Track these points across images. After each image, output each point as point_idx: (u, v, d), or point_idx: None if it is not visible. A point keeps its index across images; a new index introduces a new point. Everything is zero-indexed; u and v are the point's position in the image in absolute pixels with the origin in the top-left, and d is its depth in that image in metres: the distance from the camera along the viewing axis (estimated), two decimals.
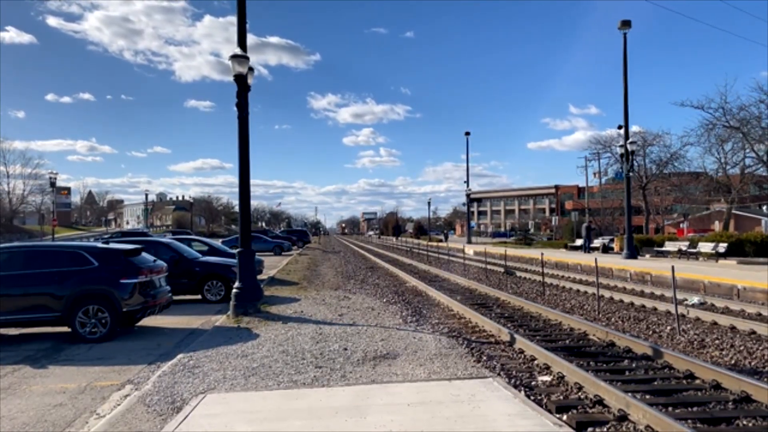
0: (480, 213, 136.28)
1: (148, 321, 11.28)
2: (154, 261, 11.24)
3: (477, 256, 33.51)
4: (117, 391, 6.70)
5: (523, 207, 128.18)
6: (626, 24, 26.74)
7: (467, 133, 58.03)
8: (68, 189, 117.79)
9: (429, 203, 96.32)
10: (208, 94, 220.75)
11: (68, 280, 9.87)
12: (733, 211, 41.95)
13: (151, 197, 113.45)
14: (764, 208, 47.82)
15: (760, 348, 8.35)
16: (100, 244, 11.74)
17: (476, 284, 17.69)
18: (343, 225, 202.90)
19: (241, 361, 7.63)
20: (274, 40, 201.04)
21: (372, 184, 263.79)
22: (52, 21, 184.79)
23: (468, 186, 59.55)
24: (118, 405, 6.02)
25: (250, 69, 12.24)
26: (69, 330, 9.88)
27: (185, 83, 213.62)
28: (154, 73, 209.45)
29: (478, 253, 34.91)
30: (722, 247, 26.49)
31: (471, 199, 67.30)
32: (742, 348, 8.41)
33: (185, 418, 5.30)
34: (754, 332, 9.49)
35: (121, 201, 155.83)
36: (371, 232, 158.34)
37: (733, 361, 7.73)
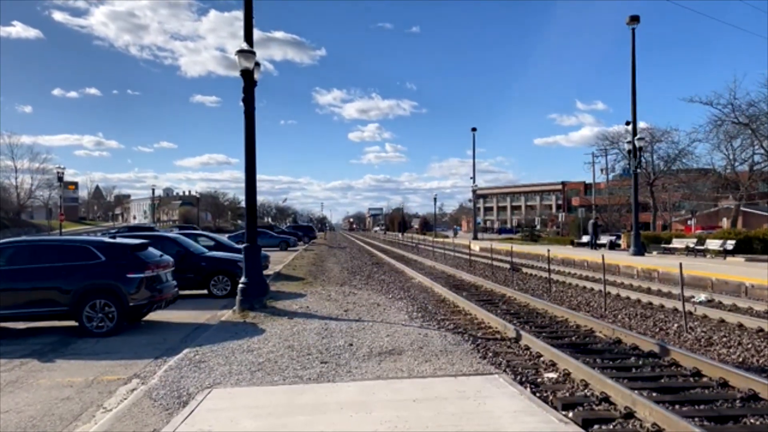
0: (486, 209, 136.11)
1: (155, 315, 11.31)
2: (161, 256, 11.28)
3: (483, 253, 33.44)
4: (123, 385, 6.73)
5: (529, 203, 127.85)
6: (634, 19, 26.55)
7: (474, 129, 57.83)
8: (75, 184, 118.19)
9: (435, 199, 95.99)
10: (213, 89, 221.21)
11: (75, 275, 9.91)
12: (742, 208, 41.70)
13: (158, 192, 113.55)
14: None
15: None
16: (107, 239, 11.78)
17: (482, 280, 17.66)
18: (351, 220, 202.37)
19: (246, 356, 7.65)
20: (279, 35, 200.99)
21: (378, 180, 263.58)
22: (58, 16, 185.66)
23: (474, 182, 59.36)
24: (125, 399, 6.05)
25: (257, 64, 12.23)
26: (76, 324, 9.91)
27: (191, 78, 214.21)
28: (160, 68, 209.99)
29: (484, 249, 34.85)
30: (730, 245, 26.34)
31: (477, 196, 67.30)
32: (749, 346, 8.36)
33: (191, 413, 5.32)
34: (762, 330, 9.42)
35: (128, 196, 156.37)
36: (377, 228, 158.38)
37: (740, 359, 7.69)
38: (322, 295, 14.23)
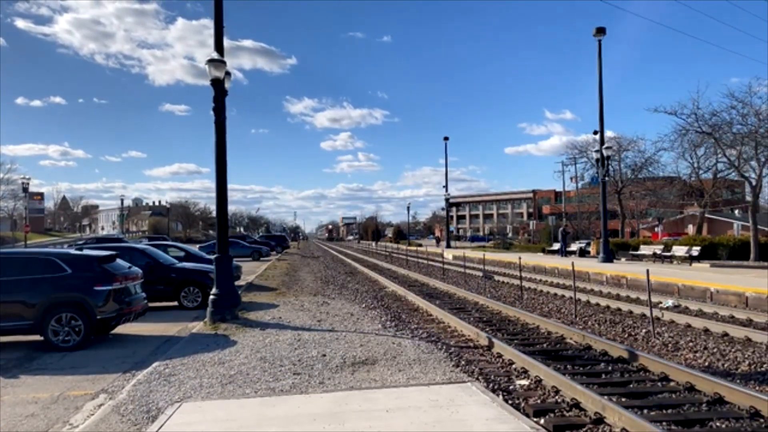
0: (459, 217, 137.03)
1: (123, 328, 11.09)
2: (129, 267, 11.07)
3: (456, 261, 33.64)
4: (91, 401, 6.58)
5: (501, 211, 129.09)
6: (601, 31, 27.14)
7: (446, 139, 58.53)
8: (41, 194, 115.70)
9: (408, 208, 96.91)
10: (183, 98, 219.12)
11: (40, 288, 9.66)
12: (706, 215, 42.70)
13: (127, 202, 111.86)
14: (736, 212, 48.76)
15: (733, 350, 8.51)
16: (73, 251, 11.53)
17: (455, 288, 17.75)
18: (330, 227, 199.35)
19: (218, 368, 7.55)
20: (248, 43, 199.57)
21: (351, 189, 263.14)
22: (21, 24, 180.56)
23: (447, 191, 59.81)
24: (92, 415, 5.91)
25: (227, 73, 12.15)
26: (41, 338, 9.66)
27: (159, 87, 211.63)
28: (127, 76, 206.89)
29: (457, 257, 35.04)
30: (695, 251, 26.97)
31: (450, 204, 67.69)
32: (715, 350, 8.55)
33: (161, 427, 5.22)
34: (726, 334, 9.66)
35: (96, 206, 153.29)
36: (350, 237, 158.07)
37: (706, 363, 7.86)
38: (295, 306, 14.13)
